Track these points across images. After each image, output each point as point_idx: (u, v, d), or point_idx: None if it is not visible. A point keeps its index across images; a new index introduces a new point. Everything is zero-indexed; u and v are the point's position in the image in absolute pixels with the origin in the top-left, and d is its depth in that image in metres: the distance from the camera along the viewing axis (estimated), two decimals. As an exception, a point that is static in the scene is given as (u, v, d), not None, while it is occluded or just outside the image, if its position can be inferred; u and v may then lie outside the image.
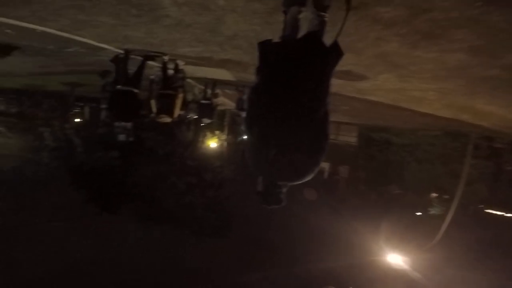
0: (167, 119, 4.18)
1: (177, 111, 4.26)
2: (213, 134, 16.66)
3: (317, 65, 1.43)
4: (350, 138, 16.99)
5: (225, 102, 9.94)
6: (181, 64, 4.48)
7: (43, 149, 12.29)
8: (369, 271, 9.78)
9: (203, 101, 6.05)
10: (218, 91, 6.35)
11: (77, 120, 16.35)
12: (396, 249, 10.49)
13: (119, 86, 3.71)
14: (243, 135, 25.01)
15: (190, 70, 5.04)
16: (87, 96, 14.81)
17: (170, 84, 4.19)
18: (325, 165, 22.77)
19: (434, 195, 14.31)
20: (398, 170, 15.88)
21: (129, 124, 4.07)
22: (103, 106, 4.56)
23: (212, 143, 16.65)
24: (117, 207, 12.29)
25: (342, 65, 1.84)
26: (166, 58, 4.08)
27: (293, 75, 1.41)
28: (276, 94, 1.42)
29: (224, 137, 16.96)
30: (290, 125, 1.38)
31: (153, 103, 4.45)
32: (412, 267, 10.17)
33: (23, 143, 12.09)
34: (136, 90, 3.75)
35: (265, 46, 1.55)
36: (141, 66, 3.88)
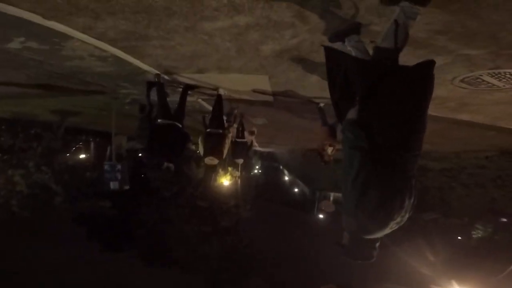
0: (215, 161, 3.63)
1: (225, 152, 3.74)
2: (226, 171, 15.05)
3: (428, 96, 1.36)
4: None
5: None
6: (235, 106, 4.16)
7: (13, 196, 9.90)
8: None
9: (238, 140, 5.02)
10: (254, 128, 5.43)
11: (81, 156, 14.73)
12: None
13: (160, 120, 3.26)
14: (255, 169, 23.66)
15: (211, 80, 3.49)
16: (94, 129, 13.19)
17: (220, 121, 3.73)
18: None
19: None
20: (438, 196, 14.64)
21: (122, 168, 3.93)
22: (139, 145, 4.15)
23: (225, 181, 15.00)
24: (119, 247, 10.38)
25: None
26: (222, 92, 3.70)
27: (412, 108, 1.29)
28: (394, 130, 1.26)
29: (237, 173, 15.33)
30: (409, 166, 1.29)
31: (200, 142, 3.92)
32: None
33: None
34: (179, 125, 3.32)
35: (373, 68, 1.35)
36: (183, 96, 3.48)
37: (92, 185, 9.71)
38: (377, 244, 1.38)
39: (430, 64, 1.36)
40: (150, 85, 3.62)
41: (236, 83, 3.50)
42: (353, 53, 1.63)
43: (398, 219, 1.27)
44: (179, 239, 10.67)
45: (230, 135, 3.98)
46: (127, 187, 4.75)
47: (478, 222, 13.78)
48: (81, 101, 6.18)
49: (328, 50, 1.54)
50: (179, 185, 11.84)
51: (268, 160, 27.42)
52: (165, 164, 3.27)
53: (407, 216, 1.30)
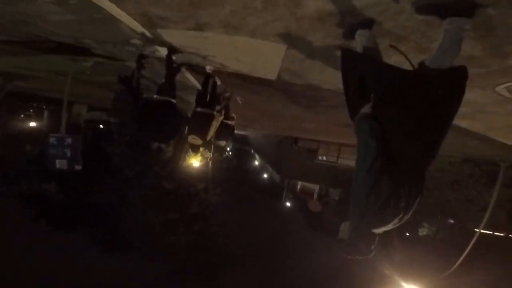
0: (198, 142, 3.49)
1: (211, 134, 3.58)
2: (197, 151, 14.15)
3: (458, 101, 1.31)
4: (352, 162, 15.21)
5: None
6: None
7: None
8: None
9: (224, 121, 4.62)
10: (233, 114, 5.11)
11: (32, 124, 12.57)
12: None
13: (156, 96, 3.03)
14: (226, 151, 22.97)
15: (210, 42, 2.72)
16: (51, 96, 11.11)
17: (211, 101, 3.59)
18: (315, 187, 21.45)
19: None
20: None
21: (73, 143, 3.60)
22: (113, 119, 3.33)
23: (195, 162, 14.13)
24: (71, 227, 9.51)
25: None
26: (209, 68, 3.53)
27: (434, 111, 1.27)
28: (411, 132, 1.27)
29: (209, 154, 14.53)
30: (421, 167, 1.31)
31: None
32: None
33: None
34: (174, 101, 3.08)
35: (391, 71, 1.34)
36: (171, 65, 3.17)
37: (37, 163, 8.04)
38: (376, 240, 1.37)
39: (463, 71, 1.30)
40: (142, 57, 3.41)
41: (241, 51, 2.77)
42: (361, 49, 1.57)
43: (401, 216, 1.28)
44: (141, 225, 9.73)
45: (220, 118, 3.74)
46: (78, 168, 3.80)
47: (425, 221, 14.68)
48: (29, 62, 4.93)
49: (345, 52, 1.56)
50: (144, 164, 10.70)
51: (240, 143, 26.87)
52: (156, 144, 3.16)
53: (409, 214, 1.31)
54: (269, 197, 19.56)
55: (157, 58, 3.69)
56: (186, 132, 3.53)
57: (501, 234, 12.60)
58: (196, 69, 3.86)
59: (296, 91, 4.17)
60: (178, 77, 3.68)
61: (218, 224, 10.96)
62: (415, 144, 1.25)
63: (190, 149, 3.86)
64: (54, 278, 8.30)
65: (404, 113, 1.26)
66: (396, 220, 1.29)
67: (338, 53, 2.37)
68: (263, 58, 2.84)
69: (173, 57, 3.28)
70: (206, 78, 3.56)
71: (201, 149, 13.94)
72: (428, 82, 1.27)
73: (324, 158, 15.03)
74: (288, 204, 19.69)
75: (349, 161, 15.07)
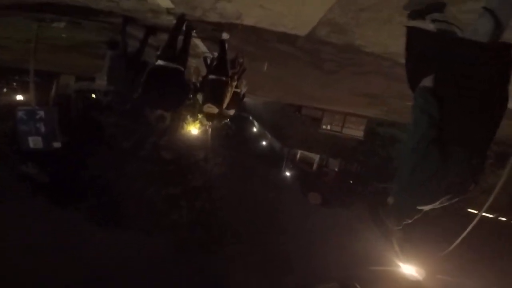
0: (214, 110, 3.29)
1: (227, 101, 3.37)
2: (195, 118, 13.35)
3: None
4: (357, 131, 14.72)
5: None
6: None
7: None
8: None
9: (235, 89, 4.28)
10: (244, 81, 4.70)
11: (19, 98, 11.53)
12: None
13: (160, 62, 2.83)
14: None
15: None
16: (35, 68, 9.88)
17: (223, 67, 3.32)
18: (315, 157, 21.16)
19: None
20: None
21: (47, 116, 3.07)
22: (110, 87, 3.00)
23: (194, 129, 13.41)
24: (65, 203, 9.39)
25: None
26: (225, 36, 3.29)
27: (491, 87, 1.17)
28: (470, 111, 1.18)
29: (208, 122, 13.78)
30: (477, 149, 1.21)
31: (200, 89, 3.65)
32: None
33: None
34: (182, 69, 2.90)
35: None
36: (180, 28, 2.90)
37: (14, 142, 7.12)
38: (414, 217, 1.34)
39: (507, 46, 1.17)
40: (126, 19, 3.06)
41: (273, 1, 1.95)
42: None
43: (447, 196, 1.22)
44: (140, 200, 9.34)
45: (234, 83, 3.54)
46: (57, 145, 3.10)
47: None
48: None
49: (411, 29, 1.40)
50: (140, 134, 9.98)
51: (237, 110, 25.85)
52: (159, 112, 2.47)
53: (458, 196, 1.23)
54: (269, 166, 19.28)
55: (151, 11, 2.83)
56: (201, 101, 3.35)
57: (503, 218, 13.01)
58: (203, 29, 3.31)
59: (326, 52, 3.38)
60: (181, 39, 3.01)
61: (219, 197, 10.66)
62: (472, 124, 1.17)
63: (206, 119, 3.62)
64: (50, 255, 8.07)
65: (465, 90, 1.15)
66: (443, 200, 1.22)
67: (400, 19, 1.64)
68: (300, 3, 2.03)
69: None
70: (220, 46, 3.28)
71: (199, 116, 13.14)
72: (487, 57, 1.16)
73: (329, 127, 14.42)
74: (288, 173, 19.46)
75: (353, 130, 14.55)
